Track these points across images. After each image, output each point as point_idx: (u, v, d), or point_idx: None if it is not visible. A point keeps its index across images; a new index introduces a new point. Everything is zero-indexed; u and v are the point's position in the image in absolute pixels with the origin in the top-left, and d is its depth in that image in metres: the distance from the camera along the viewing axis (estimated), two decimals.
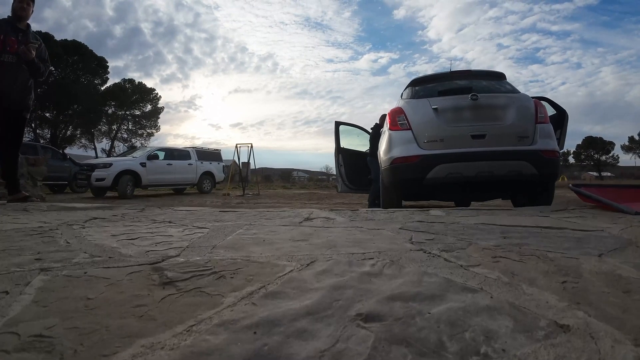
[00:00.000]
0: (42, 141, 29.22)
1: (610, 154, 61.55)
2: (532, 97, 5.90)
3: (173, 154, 12.24)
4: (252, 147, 12.84)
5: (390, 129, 3.85)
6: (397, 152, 3.67)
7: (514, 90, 3.95)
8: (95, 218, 2.13)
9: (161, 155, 11.69)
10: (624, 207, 2.35)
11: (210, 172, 13.28)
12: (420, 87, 4.21)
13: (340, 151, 6.08)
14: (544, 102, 5.59)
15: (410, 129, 3.70)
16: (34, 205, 3.10)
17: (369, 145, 5.96)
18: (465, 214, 2.36)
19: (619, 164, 63.79)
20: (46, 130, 29.48)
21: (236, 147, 12.92)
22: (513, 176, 3.43)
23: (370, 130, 6.29)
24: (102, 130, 32.86)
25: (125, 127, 34.45)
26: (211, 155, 13.88)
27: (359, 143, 7.24)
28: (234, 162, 13.28)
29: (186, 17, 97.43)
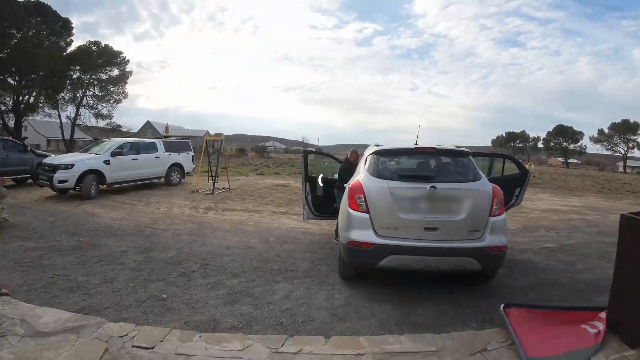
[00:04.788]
0: (3, 108, 27.55)
1: (579, 144, 63.94)
2: (499, 155, 6.13)
3: (138, 146, 11.80)
4: (222, 141, 12.60)
5: (349, 206, 3.96)
6: (354, 235, 3.84)
7: (475, 176, 4.02)
8: None
9: (126, 148, 11.30)
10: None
11: (178, 164, 12.97)
12: (383, 159, 4.26)
13: (307, 179, 6.14)
14: (509, 161, 5.87)
15: (367, 212, 3.84)
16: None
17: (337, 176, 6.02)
18: None
19: (586, 152, 66.42)
20: (8, 99, 27.65)
21: (205, 142, 12.63)
22: (458, 270, 3.69)
23: (340, 162, 6.33)
24: (67, 98, 31.11)
25: (91, 93, 32.68)
26: (179, 145, 13.49)
27: (327, 169, 7.32)
28: (205, 141, 12.96)
29: None
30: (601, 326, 2.95)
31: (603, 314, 3.07)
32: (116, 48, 33.64)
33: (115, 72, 33.31)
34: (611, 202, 13.41)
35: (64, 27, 29.33)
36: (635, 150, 58.94)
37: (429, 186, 3.72)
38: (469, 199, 3.75)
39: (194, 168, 13.86)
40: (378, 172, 4.08)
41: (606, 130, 59.33)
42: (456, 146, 4.57)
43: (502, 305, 3.24)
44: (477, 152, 5.56)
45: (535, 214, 9.75)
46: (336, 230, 5.73)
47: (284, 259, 5.15)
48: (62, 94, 30.55)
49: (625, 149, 58.95)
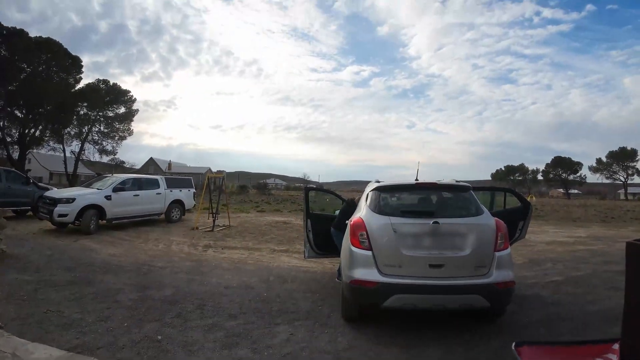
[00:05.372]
0: (8, 139, 27.92)
1: (578, 174, 64.13)
2: (501, 189, 6.10)
3: (140, 182, 11.82)
4: (224, 178, 12.64)
5: (352, 243, 3.88)
6: (357, 274, 3.73)
7: (477, 210, 3.97)
8: None
9: (128, 184, 11.29)
10: None
11: (179, 200, 12.90)
12: (384, 195, 4.24)
13: (309, 216, 6.03)
14: (509, 194, 5.82)
15: (370, 249, 3.75)
16: None
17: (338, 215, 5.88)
18: None
19: (586, 181, 66.43)
20: (14, 130, 28.13)
21: (207, 179, 12.68)
22: (465, 309, 3.57)
23: (344, 201, 6.19)
24: (72, 133, 31.66)
25: (96, 129, 33.34)
26: (181, 182, 13.52)
27: (329, 206, 7.21)
28: (207, 178, 13.00)
29: (174, 17, 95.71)
30: (615, 358, 2.80)
31: (616, 346, 2.92)
32: (124, 87, 34.75)
33: (122, 109, 34.26)
34: (615, 231, 13.26)
35: (74, 65, 30.32)
36: (635, 176, 59.21)
37: (431, 221, 3.66)
38: (473, 234, 3.67)
39: (194, 205, 13.79)
40: (380, 208, 4.03)
41: (604, 159, 59.71)
42: (457, 181, 4.54)
43: (513, 344, 3.08)
44: (478, 187, 5.53)
45: (540, 246, 9.58)
46: (339, 270, 5.59)
47: (284, 299, 4.98)
48: (68, 128, 31.17)
49: (625, 177, 59.15)
